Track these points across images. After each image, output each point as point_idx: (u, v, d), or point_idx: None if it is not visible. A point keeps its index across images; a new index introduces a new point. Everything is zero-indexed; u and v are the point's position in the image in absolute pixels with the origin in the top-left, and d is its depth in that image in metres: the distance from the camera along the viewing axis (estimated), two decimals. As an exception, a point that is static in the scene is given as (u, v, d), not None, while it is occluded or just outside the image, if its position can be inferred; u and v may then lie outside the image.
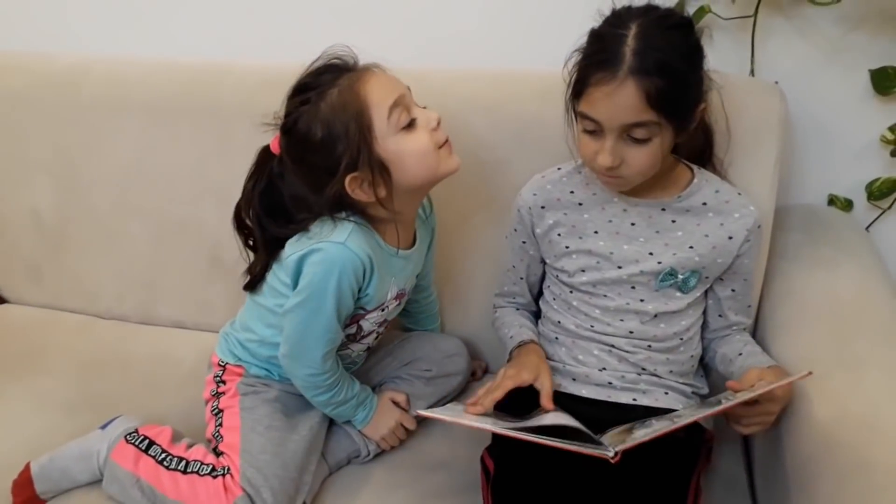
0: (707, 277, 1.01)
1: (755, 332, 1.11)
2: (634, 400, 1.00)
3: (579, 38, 0.93)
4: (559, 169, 1.06)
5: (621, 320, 1.01)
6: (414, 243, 1.07)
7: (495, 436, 0.99)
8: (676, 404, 1.00)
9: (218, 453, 1.01)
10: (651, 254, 0.99)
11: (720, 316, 1.05)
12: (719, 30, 1.19)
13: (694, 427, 0.93)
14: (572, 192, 1.03)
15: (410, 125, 0.93)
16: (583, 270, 1.02)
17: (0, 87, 1.43)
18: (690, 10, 1.16)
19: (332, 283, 0.94)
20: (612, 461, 0.79)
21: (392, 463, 1.09)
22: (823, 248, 1.16)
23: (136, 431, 1.04)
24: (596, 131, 0.90)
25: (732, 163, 1.08)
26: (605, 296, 1.01)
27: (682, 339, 1.02)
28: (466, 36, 1.32)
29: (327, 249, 0.93)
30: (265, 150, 1.01)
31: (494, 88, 1.21)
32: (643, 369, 1.01)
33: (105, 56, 1.43)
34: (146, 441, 1.02)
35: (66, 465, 1.03)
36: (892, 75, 1.15)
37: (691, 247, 0.98)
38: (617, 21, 0.88)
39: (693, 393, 1.04)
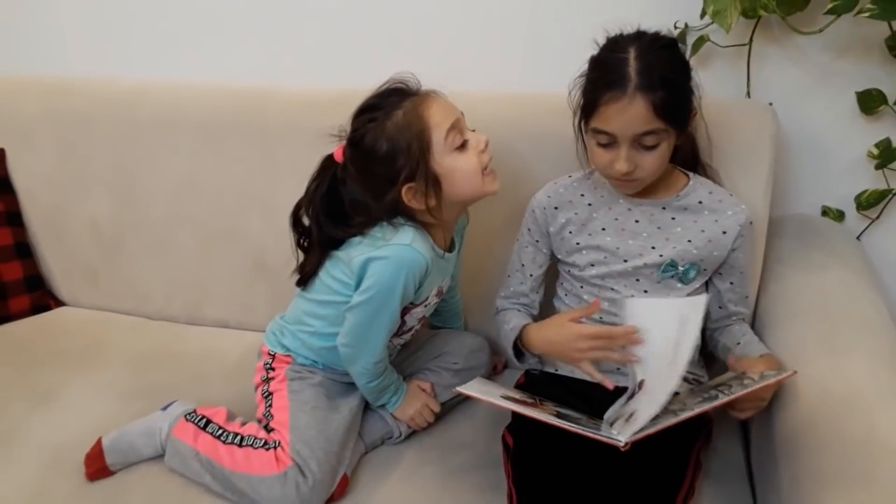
0: (705, 270, 1.10)
1: (753, 326, 1.19)
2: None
3: (575, 64, 1.04)
4: (570, 176, 1.17)
5: (627, 312, 1.11)
6: (452, 248, 1.18)
7: (514, 414, 1.08)
8: (677, 389, 1.09)
9: (269, 430, 1.10)
10: (653, 247, 1.09)
11: (720, 307, 1.14)
12: (718, 57, 1.30)
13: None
14: (582, 194, 1.14)
15: (463, 146, 1.04)
16: (592, 265, 1.12)
17: (65, 108, 1.56)
18: (690, 39, 1.28)
19: (401, 281, 1.04)
20: (622, 450, 0.88)
21: (421, 444, 1.18)
22: (815, 254, 1.24)
23: (195, 411, 1.14)
24: (610, 144, 1.01)
25: (729, 175, 1.18)
26: (612, 289, 1.11)
27: (683, 329, 1.11)
28: (480, 63, 1.44)
29: (395, 252, 1.03)
30: (329, 158, 1.11)
31: (512, 108, 1.32)
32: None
33: (161, 80, 1.55)
34: (204, 419, 1.12)
35: (133, 440, 1.12)
36: (876, 97, 1.25)
37: (689, 240, 1.08)
38: (615, 47, 1.00)
39: (694, 380, 1.12)
